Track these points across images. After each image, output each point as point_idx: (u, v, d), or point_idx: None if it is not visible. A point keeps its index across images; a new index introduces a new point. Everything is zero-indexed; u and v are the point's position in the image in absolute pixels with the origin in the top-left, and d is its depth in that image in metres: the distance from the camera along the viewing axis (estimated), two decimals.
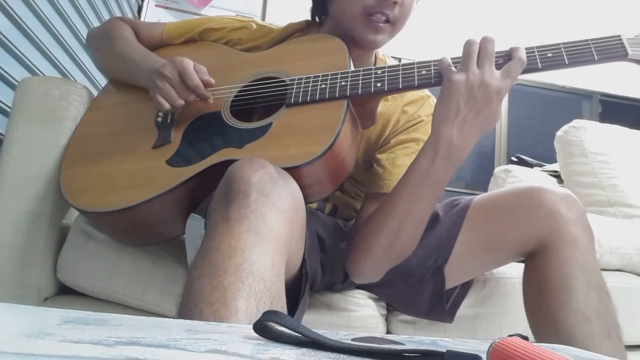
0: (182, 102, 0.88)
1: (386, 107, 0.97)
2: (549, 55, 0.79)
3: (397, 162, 0.94)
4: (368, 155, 0.99)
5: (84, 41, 1.75)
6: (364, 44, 0.92)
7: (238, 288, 0.51)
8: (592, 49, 0.77)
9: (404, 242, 0.86)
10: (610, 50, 0.77)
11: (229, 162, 0.70)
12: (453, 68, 0.79)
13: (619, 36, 0.78)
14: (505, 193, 0.91)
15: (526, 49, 0.80)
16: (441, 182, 0.81)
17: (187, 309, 0.52)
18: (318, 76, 0.85)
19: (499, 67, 0.78)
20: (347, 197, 1.04)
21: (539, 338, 0.80)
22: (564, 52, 0.78)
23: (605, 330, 0.75)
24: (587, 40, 0.78)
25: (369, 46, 0.94)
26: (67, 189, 0.92)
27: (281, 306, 0.56)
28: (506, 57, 0.79)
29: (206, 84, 0.88)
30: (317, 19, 1.05)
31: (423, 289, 0.93)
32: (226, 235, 0.57)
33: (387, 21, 0.89)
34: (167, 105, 0.88)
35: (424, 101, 1.00)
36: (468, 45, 0.79)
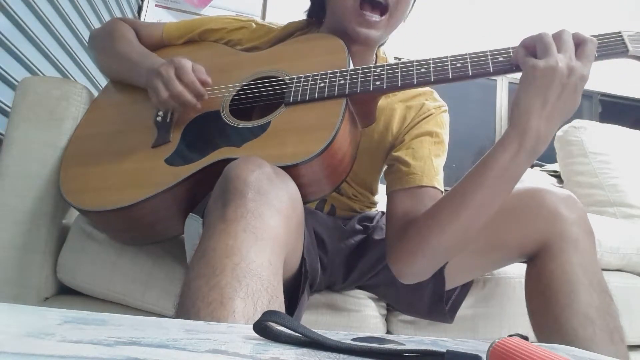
0: (177, 100, 0.88)
1: (387, 103, 0.97)
2: None
3: (417, 155, 0.93)
4: (373, 154, 0.99)
5: (84, 41, 1.75)
6: (357, 39, 0.91)
7: (235, 288, 0.52)
8: None
9: (466, 240, 0.83)
10: (610, 46, 0.77)
11: (228, 161, 0.70)
12: (533, 58, 0.74)
13: (619, 32, 0.77)
14: None
15: None
16: (519, 175, 0.78)
17: (184, 309, 0.52)
18: (317, 75, 0.85)
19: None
20: (344, 199, 1.04)
21: (542, 340, 0.80)
22: None
23: (608, 332, 0.75)
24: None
25: (362, 42, 0.92)
26: (67, 189, 0.93)
27: (279, 305, 0.56)
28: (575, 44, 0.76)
29: (202, 83, 0.88)
30: (313, 19, 1.05)
31: (423, 290, 0.93)
32: (223, 235, 0.57)
33: (381, 13, 0.89)
34: (158, 102, 0.88)
35: (428, 95, 1.00)
36: (543, 37, 0.74)
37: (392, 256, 0.89)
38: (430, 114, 0.98)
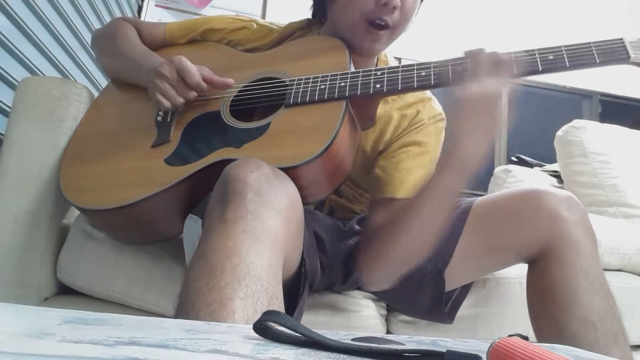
0: (180, 100, 0.88)
1: (385, 110, 0.97)
2: (550, 57, 0.78)
3: (399, 167, 0.94)
4: (367, 158, 0.99)
5: (84, 41, 1.75)
6: (361, 52, 0.92)
7: (235, 289, 0.52)
8: (594, 51, 0.77)
9: (420, 252, 0.86)
10: (612, 53, 0.76)
11: (227, 162, 0.70)
12: (461, 82, 0.78)
13: (621, 39, 0.77)
14: (506, 196, 0.91)
15: (527, 51, 0.79)
16: (458, 193, 0.81)
17: (184, 310, 0.52)
18: (318, 77, 0.85)
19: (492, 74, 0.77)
20: (344, 200, 1.04)
21: (543, 342, 0.80)
22: (565, 55, 0.77)
23: (611, 334, 0.74)
24: (588, 43, 0.78)
25: (366, 54, 0.94)
26: (67, 187, 0.93)
27: (278, 306, 0.56)
28: (496, 63, 0.78)
29: (208, 82, 0.89)
30: (316, 19, 1.05)
31: (423, 292, 0.93)
32: (223, 236, 0.57)
33: (387, 26, 0.89)
34: (166, 103, 0.88)
35: (425, 103, 0.99)
36: (474, 57, 0.78)
37: (357, 264, 0.91)
38: (422, 124, 0.97)
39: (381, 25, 0.88)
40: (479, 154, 0.78)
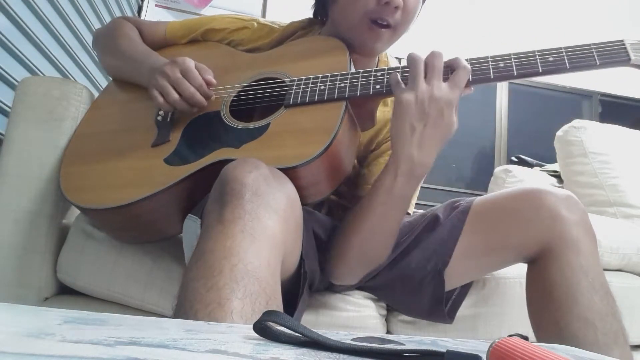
0: (181, 101, 0.88)
1: (384, 111, 0.97)
2: (551, 59, 0.78)
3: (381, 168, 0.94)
4: (360, 157, 0.99)
5: (84, 41, 1.75)
6: (362, 50, 0.92)
7: (233, 289, 0.52)
8: (594, 53, 0.76)
9: (374, 251, 0.87)
10: (612, 55, 0.76)
11: (226, 162, 0.70)
12: (402, 86, 0.79)
13: (621, 41, 0.77)
14: (505, 195, 0.91)
15: (527, 52, 0.79)
16: (406, 198, 0.82)
17: (182, 311, 0.52)
18: (318, 77, 0.85)
19: (444, 79, 0.78)
20: (343, 201, 1.04)
21: (542, 342, 0.80)
22: (565, 57, 0.77)
23: (611, 334, 0.74)
24: (589, 45, 0.77)
25: (368, 53, 0.94)
26: (67, 187, 0.93)
27: (277, 306, 0.56)
28: (449, 68, 0.80)
29: (208, 84, 0.89)
30: (318, 18, 1.05)
31: (422, 292, 0.93)
32: (221, 236, 0.57)
33: (388, 26, 0.89)
34: (166, 104, 0.88)
35: None
36: (414, 62, 0.79)
37: (327, 257, 0.92)
38: None
39: (383, 24, 0.88)
40: (432, 159, 0.79)
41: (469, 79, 0.79)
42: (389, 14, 0.87)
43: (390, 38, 0.92)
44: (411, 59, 0.79)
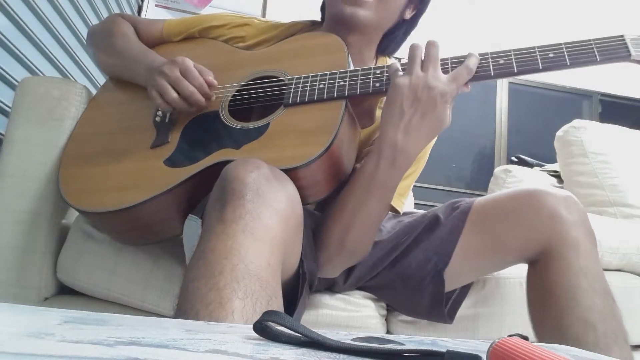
0: (180, 100, 0.87)
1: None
2: (551, 55, 0.78)
3: None
4: (358, 154, 0.99)
5: (84, 41, 1.75)
6: (346, 20, 0.90)
7: (234, 289, 0.52)
8: (595, 49, 0.76)
9: (353, 241, 0.86)
10: (613, 50, 0.76)
11: (227, 163, 0.70)
12: (400, 72, 0.79)
13: (622, 36, 0.77)
14: (505, 196, 0.91)
15: (527, 48, 0.79)
16: (387, 186, 0.81)
17: (183, 310, 0.52)
18: (317, 76, 0.85)
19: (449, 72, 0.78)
20: None
21: (543, 343, 0.79)
22: (565, 53, 0.77)
23: (612, 335, 0.74)
24: (589, 41, 0.77)
25: (353, 24, 0.91)
26: (66, 189, 0.92)
27: (277, 306, 0.55)
28: (459, 63, 0.80)
29: (209, 85, 0.88)
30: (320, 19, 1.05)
31: (422, 292, 0.93)
32: (222, 236, 0.57)
33: None
34: (165, 104, 0.88)
35: None
36: (412, 49, 0.79)
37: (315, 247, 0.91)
38: None
39: None
40: (416, 151, 0.79)
41: (469, 78, 0.78)
42: None
43: (377, 6, 0.90)
44: (410, 46, 0.80)
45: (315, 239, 0.89)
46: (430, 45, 0.79)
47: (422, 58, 0.78)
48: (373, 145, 0.89)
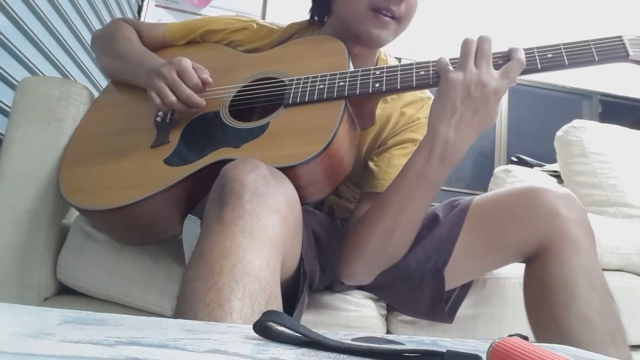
0: (178, 102, 0.88)
1: (384, 109, 0.97)
2: (549, 55, 0.78)
3: (392, 162, 0.94)
4: (365, 157, 0.99)
5: (84, 41, 1.75)
6: (369, 40, 0.91)
7: (233, 289, 0.52)
8: (593, 49, 0.77)
9: (396, 243, 0.86)
10: (611, 51, 0.76)
11: (226, 162, 0.70)
12: (450, 67, 0.78)
13: (620, 37, 0.77)
14: (504, 194, 0.91)
15: (526, 49, 0.79)
16: (435, 182, 0.81)
17: (182, 311, 0.52)
18: (317, 76, 0.85)
19: (497, 67, 0.78)
20: (343, 201, 1.04)
21: (541, 341, 0.79)
22: (564, 53, 0.78)
23: (609, 333, 0.74)
24: (587, 41, 0.78)
25: (374, 43, 0.93)
26: (66, 188, 0.93)
27: (277, 306, 0.55)
28: (505, 58, 0.79)
29: (204, 82, 0.89)
30: (316, 19, 1.05)
31: (422, 291, 0.93)
32: (220, 237, 0.57)
33: (393, 17, 0.88)
34: (164, 106, 0.88)
35: (424, 102, 1.00)
36: (465, 44, 0.78)
37: (338, 256, 0.91)
38: (419, 123, 0.97)
39: (388, 15, 0.88)
40: (466, 146, 0.78)
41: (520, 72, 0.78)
42: (394, 4, 0.87)
43: (396, 30, 0.91)
44: (463, 41, 0.79)
45: (346, 246, 0.88)
46: (484, 41, 0.78)
47: (475, 53, 0.77)
48: (404, 145, 0.89)
